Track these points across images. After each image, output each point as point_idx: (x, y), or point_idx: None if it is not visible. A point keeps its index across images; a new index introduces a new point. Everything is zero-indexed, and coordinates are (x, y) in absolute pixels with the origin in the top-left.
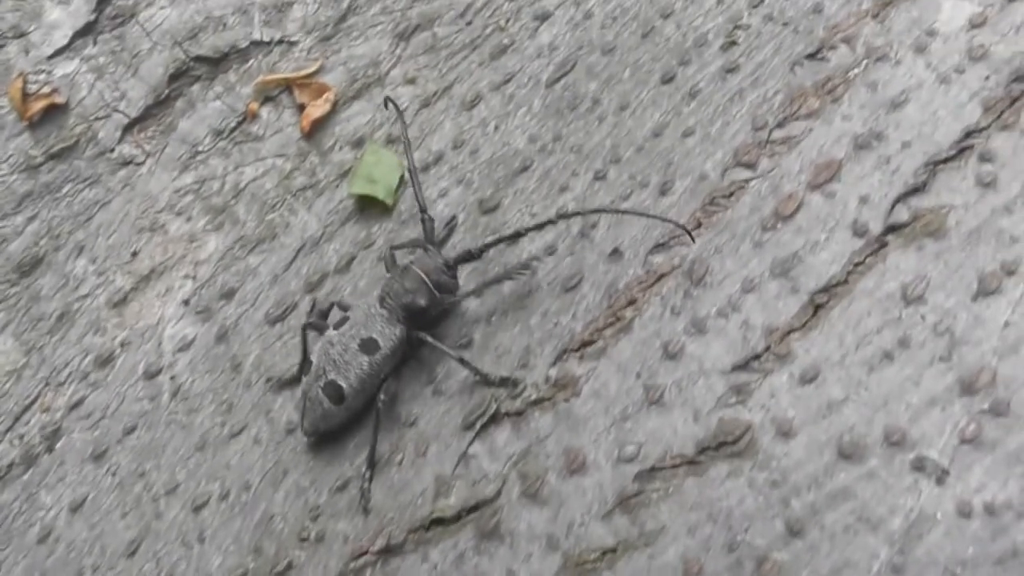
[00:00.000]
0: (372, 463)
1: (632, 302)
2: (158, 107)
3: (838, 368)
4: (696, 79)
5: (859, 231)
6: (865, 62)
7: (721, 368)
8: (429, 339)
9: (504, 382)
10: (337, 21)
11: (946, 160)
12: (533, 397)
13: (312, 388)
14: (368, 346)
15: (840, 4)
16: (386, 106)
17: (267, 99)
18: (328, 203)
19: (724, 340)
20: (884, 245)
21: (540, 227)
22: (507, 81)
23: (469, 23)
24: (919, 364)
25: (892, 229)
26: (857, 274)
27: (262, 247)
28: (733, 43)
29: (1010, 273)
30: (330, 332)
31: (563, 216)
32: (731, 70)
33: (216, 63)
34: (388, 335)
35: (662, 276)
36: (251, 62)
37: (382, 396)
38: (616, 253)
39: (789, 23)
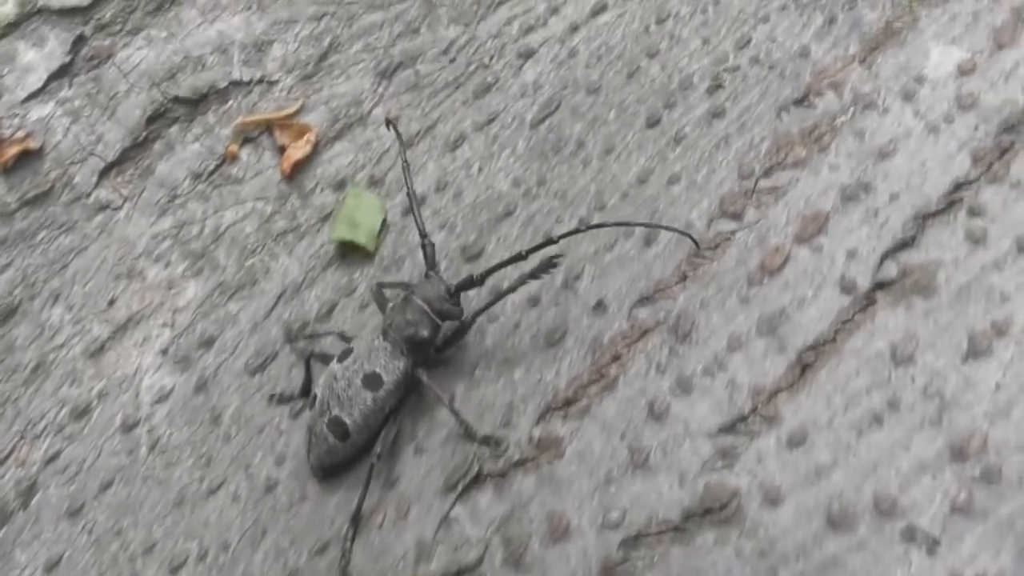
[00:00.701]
0: (356, 520)
1: (616, 358)
2: (135, 150)
3: (826, 431)
4: (682, 123)
5: (847, 287)
6: (852, 109)
7: (707, 430)
8: (425, 380)
9: (487, 440)
10: (318, 59)
11: (935, 214)
12: (516, 458)
13: (317, 423)
14: (372, 382)
15: (827, 48)
16: (388, 127)
17: (247, 140)
18: (309, 247)
19: (710, 400)
20: (872, 302)
21: (540, 248)
22: (491, 121)
23: (452, 60)
24: (909, 428)
25: (880, 286)
26: (845, 332)
27: (242, 293)
28: (719, 86)
29: (1001, 333)
30: (334, 365)
31: (562, 236)
32: (717, 115)
33: (195, 104)
34: (392, 369)
35: (647, 331)
36: (230, 103)
37: (377, 450)
38: (600, 306)
39: (775, 66)
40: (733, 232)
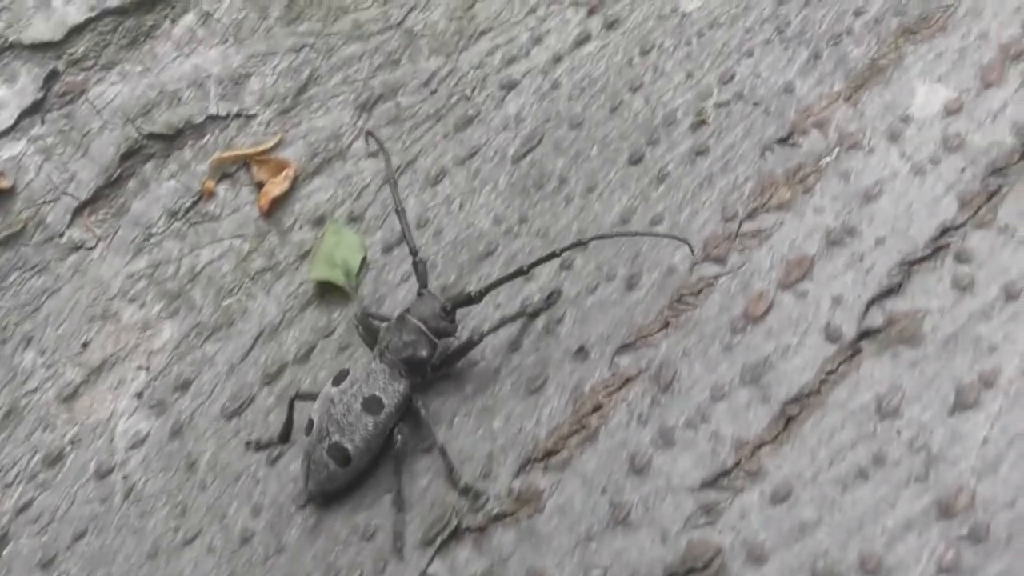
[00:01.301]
0: (401, 504)
1: (598, 408)
2: (109, 188)
3: (811, 487)
4: (665, 160)
5: (832, 336)
6: (837, 150)
7: (690, 484)
8: (422, 413)
9: (467, 491)
10: (297, 93)
11: (921, 260)
12: (496, 511)
13: (316, 450)
14: (372, 405)
15: (811, 85)
16: (367, 141)
17: (224, 176)
18: (288, 286)
19: (693, 453)
20: (858, 352)
21: (541, 262)
22: (473, 155)
23: (434, 92)
24: (895, 484)
25: (866, 334)
26: (830, 383)
27: (219, 335)
28: (703, 122)
29: (988, 385)
30: (329, 389)
31: (565, 249)
32: (700, 152)
33: (170, 140)
34: (392, 392)
35: (629, 380)
36: (207, 138)
37: (398, 436)
38: (582, 352)
39: (760, 103)
40: (716, 277)
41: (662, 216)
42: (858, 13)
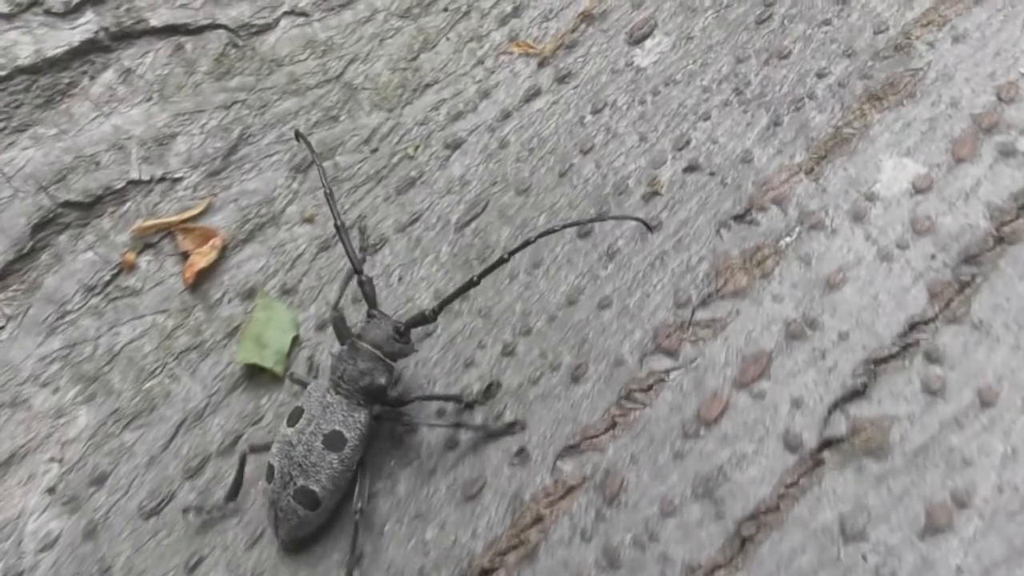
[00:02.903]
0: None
1: (538, 520)
2: (20, 262)
3: None
4: (615, 235)
5: (791, 444)
6: (798, 229)
7: None
8: (405, 414)
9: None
10: (227, 153)
11: (888, 358)
12: None
13: (282, 497)
14: (334, 441)
15: (771, 154)
16: (297, 140)
17: (146, 247)
18: (215, 366)
19: None
20: (820, 463)
21: (490, 270)
22: (414, 221)
23: (375, 151)
24: None
25: (828, 444)
26: (789, 499)
27: (139, 421)
28: (655, 193)
29: (962, 505)
30: (285, 430)
31: (512, 252)
32: (653, 227)
33: (88, 208)
34: (352, 424)
35: (572, 489)
36: (128, 205)
37: (358, 506)
38: (523, 454)
39: (716, 173)
40: (667, 372)
41: (610, 299)
42: (821, 75)
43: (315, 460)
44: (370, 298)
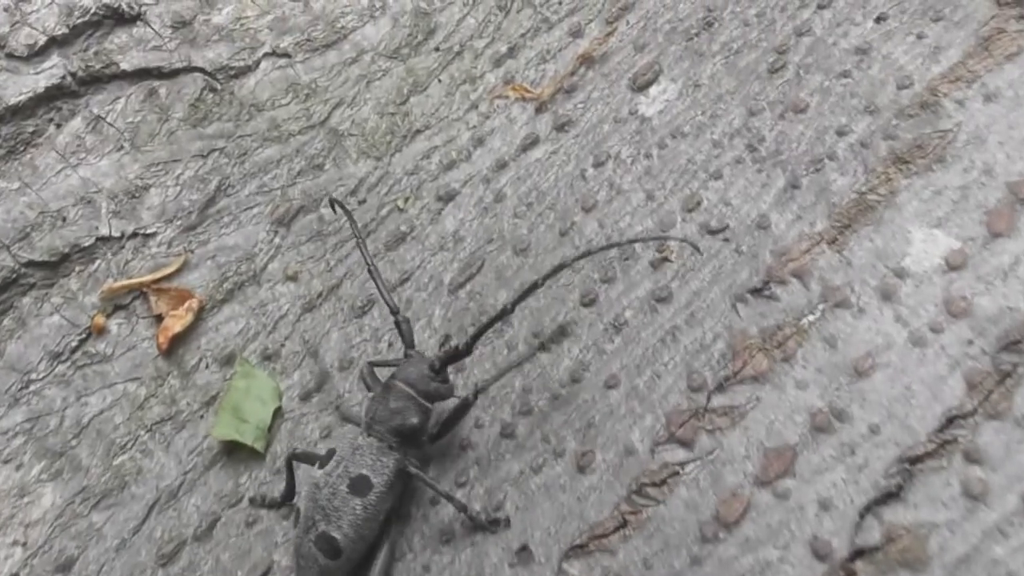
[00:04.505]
0: None
1: None
2: None
3: None
4: (622, 305)
5: (820, 552)
6: (822, 307)
7: None
8: (413, 471)
9: (495, 523)
10: (204, 206)
11: (924, 457)
12: None
13: (303, 543)
14: (359, 486)
15: (789, 220)
16: (333, 210)
17: (117, 308)
18: (190, 440)
19: None
20: (852, 575)
21: (524, 297)
22: (405, 280)
23: (362, 202)
24: None
25: (861, 553)
26: None
27: (108, 501)
28: (665, 259)
29: None
30: (316, 473)
31: (547, 277)
32: (662, 299)
33: (54, 267)
34: (380, 468)
35: None
36: (97, 263)
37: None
38: (524, 552)
39: (730, 239)
40: (682, 464)
41: (618, 378)
42: (841, 133)
43: (338, 504)
44: (407, 337)
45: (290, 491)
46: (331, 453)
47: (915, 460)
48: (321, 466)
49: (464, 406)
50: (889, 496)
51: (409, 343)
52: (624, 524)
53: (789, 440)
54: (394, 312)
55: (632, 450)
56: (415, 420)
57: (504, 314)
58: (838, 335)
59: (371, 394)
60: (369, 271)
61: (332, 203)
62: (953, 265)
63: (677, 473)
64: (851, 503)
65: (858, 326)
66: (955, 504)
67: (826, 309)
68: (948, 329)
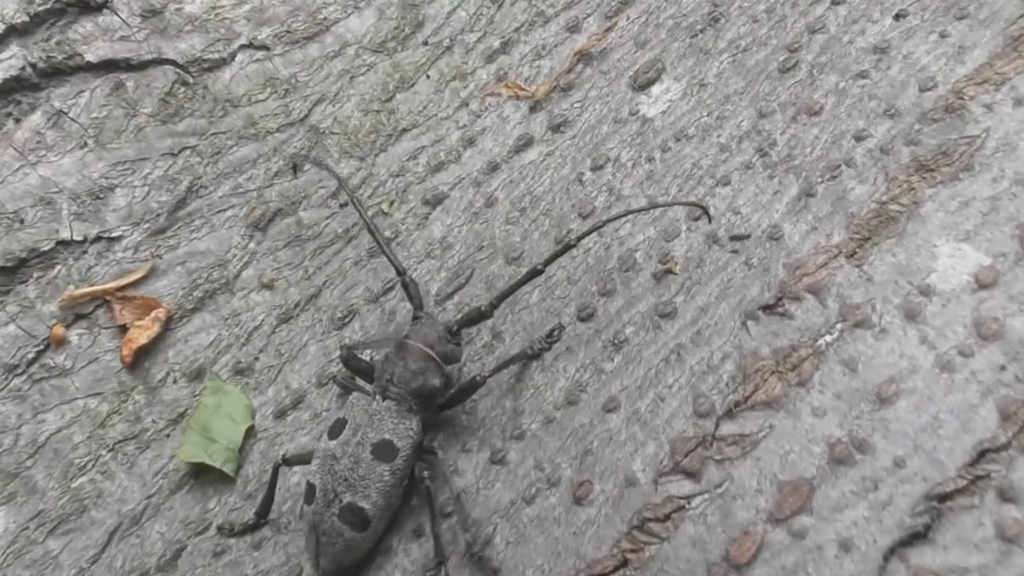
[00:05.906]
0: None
1: None
2: None
3: None
4: (622, 320)
5: None
6: (840, 327)
7: None
8: (439, 454)
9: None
10: (174, 208)
11: (954, 494)
12: None
13: (325, 518)
14: (384, 451)
15: (804, 231)
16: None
17: (78, 318)
18: (155, 460)
19: None
20: None
21: (557, 256)
22: (387, 290)
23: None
24: None
25: None
26: None
27: (66, 526)
28: (669, 271)
29: None
30: (327, 443)
31: (580, 238)
32: (666, 315)
33: (10, 273)
34: (404, 432)
35: None
36: (57, 269)
37: (424, 474)
38: None
39: (739, 250)
40: (688, 498)
41: (618, 400)
42: (859, 137)
43: (363, 473)
44: (415, 299)
45: (267, 506)
46: (341, 423)
47: (944, 497)
48: (332, 436)
49: (472, 386)
50: (916, 537)
51: (418, 305)
52: (624, 563)
53: (805, 473)
54: (400, 273)
55: (633, 481)
56: (436, 381)
57: (534, 274)
58: (858, 358)
59: (382, 355)
60: (367, 228)
61: (314, 161)
62: (983, 283)
63: (683, 507)
64: (874, 544)
65: (880, 348)
66: (988, 547)
67: (845, 329)
68: (979, 353)
